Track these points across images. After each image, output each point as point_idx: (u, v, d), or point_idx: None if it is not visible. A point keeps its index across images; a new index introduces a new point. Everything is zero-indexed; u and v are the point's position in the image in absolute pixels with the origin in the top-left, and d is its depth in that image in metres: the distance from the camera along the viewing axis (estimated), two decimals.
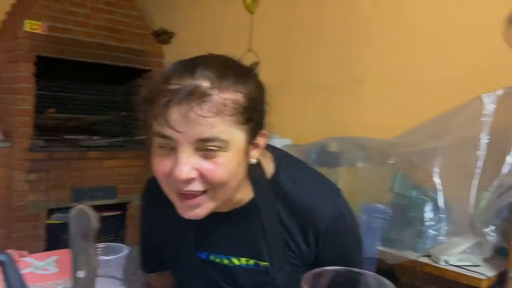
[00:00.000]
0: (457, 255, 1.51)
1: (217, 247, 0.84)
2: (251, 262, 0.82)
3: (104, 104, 3.68)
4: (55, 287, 0.97)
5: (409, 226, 1.65)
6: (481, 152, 1.61)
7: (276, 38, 2.77)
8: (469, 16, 1.95)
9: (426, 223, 1.60)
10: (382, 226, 1.71)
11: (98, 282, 0.58)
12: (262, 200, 0.80)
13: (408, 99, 2.13)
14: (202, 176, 0.68)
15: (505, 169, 1.55)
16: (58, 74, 3.29)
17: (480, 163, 1.61)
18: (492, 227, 1.52)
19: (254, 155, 0.75)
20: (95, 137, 3.37)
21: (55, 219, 3.07)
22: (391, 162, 1.77)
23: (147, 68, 3.49)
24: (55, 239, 3.00)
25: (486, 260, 1.52)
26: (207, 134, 0.65)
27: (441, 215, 1.59)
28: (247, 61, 3.10)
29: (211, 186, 0.69)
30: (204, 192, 0.70)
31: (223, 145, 0.67)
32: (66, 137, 3.23)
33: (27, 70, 2.86)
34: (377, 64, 2.26)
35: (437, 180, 1.62)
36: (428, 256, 1.57)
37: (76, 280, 0.55)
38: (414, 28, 2.13)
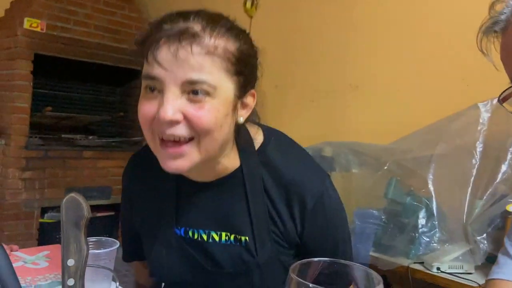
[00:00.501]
0: (450, 262, 1.51)
1: (196, 221, 0.80)
2: (231, 237, 0.78)
3: (101, 104, 3.68)
4: (45, 281, 0.96)
5: (402, 232, 1.65)
6: (476, 161, 1.62)
7: (275, 43, 2.78)
8: (465, 23, 1.96)
9: (419, 230, 1.60)
10: (375, 232, 1.71)
11: (88, 272, 0.57)
12: (249, 168, 0.77)
13: (403, 106, 2.15)
14: (188, 121, 0.65)
15: (499, 178, 1.56)
16: (56, 72, 3.29)
17: (474, 171, 1.62)
18: (485, 235, 1.53)
19: (243, 114, 0.73)
20: (91, 137, 3.37)
21: (49, 218, 3.06)
22: (386, 168, 1.78)
23: None
24: (47, 238, 2.98)
25: (478, 268, 1.52)
26: (195, 76, 0.64)
27: (435, 222, 1.60)
28: None
29: (196, 134, 0.67)
30: (188, 142, 0.67)
31: (211, 90, 0.65)
32: (62, 136, 3.22)
33: (24, 67, 2.87)
34: (373, 71, 2.28)
35: (431, 187, 1.63)
36: (421, 262, 1.57)
37: (66, 268, 0.55)
38: (411, 35, 2.15)
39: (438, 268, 1.50)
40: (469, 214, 1.58)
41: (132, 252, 0.95)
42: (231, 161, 0.78)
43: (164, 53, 0.64)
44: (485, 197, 1.56)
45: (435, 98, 2.03)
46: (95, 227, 3.09)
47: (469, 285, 1.43)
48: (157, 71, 0.65)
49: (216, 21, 0.67)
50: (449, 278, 1.48)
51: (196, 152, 0.68)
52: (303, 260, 0.40)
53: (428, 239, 1.60)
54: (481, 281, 1.44)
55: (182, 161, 0.68)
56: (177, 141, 0.67)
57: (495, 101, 1.64)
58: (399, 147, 1.84)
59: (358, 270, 0.39)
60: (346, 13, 2.41)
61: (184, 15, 0.67)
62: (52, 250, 1.16)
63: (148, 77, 0.66)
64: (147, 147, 0.84)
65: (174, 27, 0.64)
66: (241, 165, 0.78)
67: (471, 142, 1.64)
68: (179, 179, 0.82)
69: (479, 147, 1.63)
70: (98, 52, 3.20)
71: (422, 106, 2.06)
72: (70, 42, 3.07)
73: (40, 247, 1.18)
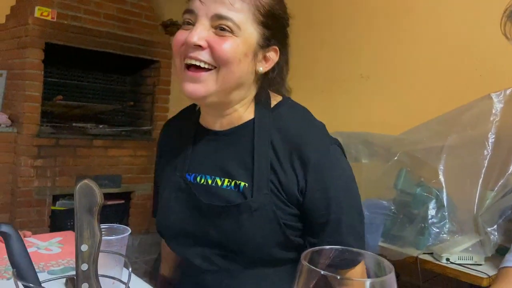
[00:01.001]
0: (459, 253, 1.51)
1: (206, 167, 0.87)
2: (232, 183, 0.83)
3: (111, 94, 3.70)
4: (58, 267, 0.98)
5: (411, 223, 1.65)
6: (488, 152, 1.60)
7: None
8: (478, 12, 1.93)
9: (429, 221, 1.59)
10: (384, 222, 1.71)
11: (100, 258, 0.58)
12: (260, 120, 0.84)
13: (414, 96, 2.13)
14: (211, 49, 0.76)
15: (511, 169, 1.54)
16: (66, 61, 3.30)
17: (486, 163, 1.60)
18: (495, 227, 1.52)
19: (263, 66, 0.82)
20: (101, 126, 3.39)
21: (60, 205, 3.10)
22: (396, 158, 1.77)
23: (155, 59, 3.50)
24: (59, 225, 3.03)
25: (488, 259, 1.51)
26: (224, 11, 0.75)
27: (445, 213, 1.59)
28: None
29: (216, 63, 0.76)
30: (208, 71, 0.77)
31: (234, 28, 0.76)
32: (73, 124, 3.25)
33: (36, 56, 2.88)
34: (384, 61, 2.26)
35: (442, 178, 1.61)
36: (430, 253, 1.57)
37: (79, 253, 0.55)
38: (422, 24, 2.12)
39: (447, 259, 1.50)
40: (480, 205, 1.57)
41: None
42: (246, 113, 0.86)
43: None
44: (496, 188, 1.55)
45: (447, 88, 2.01)
46: (106, 215, 3.13)
47: (479, 276, 1.43)
48: (194, 4, 0.77)
49: None
50: (459, 269, 1.47)
51: (213, 80, 0.78)
52: (315, 248, 0.40)
53: (437, 230, 1.59)
54: (491, 272, 1.44)
55: (200, 86, 0.78)
56: (199, 67, 0.77)
57: (508, 91, 1.62)
58: (410, 137, 1.83)
59: (369, 258, 0.39)
60: (358, 3, 2.38)
61: None
62: (64, 237, 1.18)
63: (186, 11, 0.79)
64: (180, 112, 1.00)
65: None
66: (254, 117, 0.85)
67: (484, 133, 1.62)
68: (198, 129, 0.91)
69: (491, 138, 1.62)
70: (108, 41, 3.20)
71: (434, 97, 2.04)
72: (80, 31, 3.08)
73: (53, 233, 1.20)
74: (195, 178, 0.88)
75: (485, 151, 1.61)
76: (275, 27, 0.81)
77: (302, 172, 0.79)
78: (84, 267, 0.56)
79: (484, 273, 1.43)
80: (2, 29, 3.18)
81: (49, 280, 0.62)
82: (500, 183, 1.54)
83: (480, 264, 1.49)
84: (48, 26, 2.92)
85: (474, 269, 1.46)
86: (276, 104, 0.86)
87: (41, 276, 0.73)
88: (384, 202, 1.73)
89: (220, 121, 0.86)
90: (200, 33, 0.75)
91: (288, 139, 0.81)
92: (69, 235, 1.20)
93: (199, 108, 0.91)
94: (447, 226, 1.59)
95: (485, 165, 1.60)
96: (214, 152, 0.87)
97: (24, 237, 1.15)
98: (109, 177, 3.24)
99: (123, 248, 0.84)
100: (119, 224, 0.87)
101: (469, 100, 1.73)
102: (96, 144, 3.19)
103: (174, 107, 3.60)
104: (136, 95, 3.70)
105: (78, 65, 3.42)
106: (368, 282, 0.35)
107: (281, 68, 0.86)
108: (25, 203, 2.91)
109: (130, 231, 0.86)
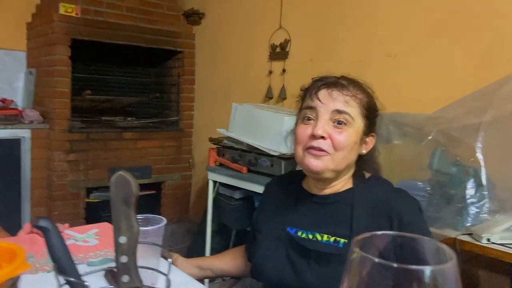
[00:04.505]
0: (501, 233, 1.45)
1: (306, 225, 1.01)
2: (331, 239, 0.97)
3: (137, 86, 3.73)
4: (97, 258, 0.99)
5: (448, 203, 1.59)
6: None
7: (307, 15, 2.70)
8: None
9: (468, 200, 1.53)
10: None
11: (138, 248, 0.58)
12: (358, 189, 1.01)
13: (445, 73, 2.04)
14: (331, 139, 0.95)
15: None
16: (92, 56, 3.34)
17: None
18: None
19: (364, 148, 1.02)
20: (129, 118, 3.43)
21: (94, 197, 3.17)
22: (430, 138, 1.71)
23: (179, 49, 3.49)
24: (94, 216, 3.10)
25: None
26: (341, 107, 0.95)
27: (484, 192, 1.53)
28: (278, 39, 3.02)
29: (334, 150, 0.96)
30: (327, 154, 0.96)
31: (350, 120, 0.96)
32: (102, 118, 3.30)
33: (63, 53, 2.93)
34: (412, 37, 2.17)
35: (480, 156, 1.55)
36: (469, 234, 1.52)
37: (118, 245, 0.55)
38: None
39: (488, 239, 1.45)
40: None
41: (249, 252, 1.14)
42: (346, 185, 1.04)
43: (323, 93, 0.97)
44: None
45: (482, 61, 1.91)
46: (138, 206, 3.17)
47: None
48: (316, 103, 0.97)
49: (356, 82, 1.02)
50: (500, 249, 1.42)
51: (330, 161, 0.97)
52: (366, 233, 0.38)
53: (477, 210, 1.53)
54: None
55: (320, 163, 0.97)
56: (320, 149, 0.96)
57: None
58: (444, 115, 1.76)
59: (427, 244, 0.37)
60: None
61: (334, 76, 1.02)
62: (101, 228, 1.20)
63: (309, 108, 0.99)
64: (285, 174, 1.19)
65: (330, 78, 1.01)
66: (352, 187, 1.02)
67: None
68: (299, 191, 1.07)
69: None
70: (131, 34, 3.22)
71: (468, 72, 1.95)
72: (104, 26, 3.10)
73: (90, 225, 1.22)
74: (296, 232, 1.02)
75: None
76: (372, 118, 1.02)
77: (399, 229, 0.92)
78: (124, 259, 0.56)
79: None
80: (29, 28, 3.24)
81: (89, 273, 0.62)
82: None
83: None
84: (73, 22, 2.95)
85: None
86: (369, 177, 1.05)
87: (80, 268, 0.73)
88: (418, 183, 1.68)
89: (322, 190, 1.03)
90: (324, 126, 0.95)
91: (384, 203, 0.97)
92: (106, 227, 1.21)
93: (303, 173, 1.07)
94: (487, 205, 1.53)
95: None
96: (315, 213, 1.02)
97: (62, 230, 1.17)
98: (139, 168, 3.29)
99: (159, 238, 0.84)
100: (150, 213, 0.87)
101: (505, 74, 1.65)
102: (125, 137, 3.23)
103: (199, 97, 3.60)
104: (161, 86, 3.72)
105: (104, 60, 3.46)
106: (427, 269, 0.32)
107: (374, 149, 1.06)
108: (61, 196, 2.99)
109: (166, 221, 0.86)
